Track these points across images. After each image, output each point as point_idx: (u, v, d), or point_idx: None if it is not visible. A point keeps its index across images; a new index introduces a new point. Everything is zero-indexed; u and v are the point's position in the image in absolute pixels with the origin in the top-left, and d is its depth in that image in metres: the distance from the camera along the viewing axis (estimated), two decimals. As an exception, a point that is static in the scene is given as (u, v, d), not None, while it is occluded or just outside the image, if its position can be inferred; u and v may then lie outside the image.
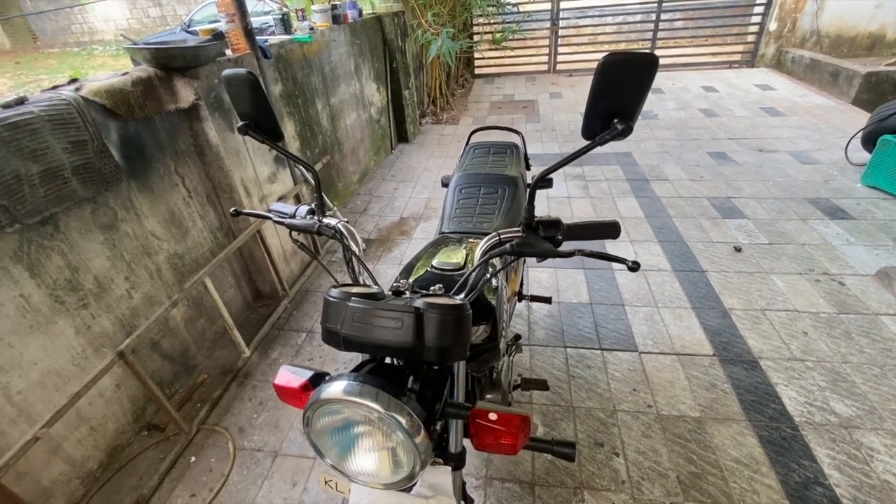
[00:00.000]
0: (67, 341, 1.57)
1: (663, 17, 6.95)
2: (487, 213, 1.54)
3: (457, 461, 0.91)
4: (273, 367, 2.17)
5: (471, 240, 1.34)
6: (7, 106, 1.39)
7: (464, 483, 1.05)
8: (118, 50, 10.48)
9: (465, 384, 0.89)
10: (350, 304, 0.77)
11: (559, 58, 7.38)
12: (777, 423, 1.72)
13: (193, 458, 1.77)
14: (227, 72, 0.89)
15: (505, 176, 1.70)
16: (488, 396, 1.22)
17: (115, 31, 11.64)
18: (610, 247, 2.79)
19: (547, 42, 7.27)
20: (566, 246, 0.84)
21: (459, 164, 1.91)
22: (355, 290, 0.81)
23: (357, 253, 0.99)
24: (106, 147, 1.63)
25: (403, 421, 0.72)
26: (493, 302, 1.09)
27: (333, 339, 0.78)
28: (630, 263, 0.79)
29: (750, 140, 4.24)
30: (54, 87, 1.60)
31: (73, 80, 1.68)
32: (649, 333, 2.17)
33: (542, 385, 1.61)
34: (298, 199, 2.80)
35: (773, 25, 6.38)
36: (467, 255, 1.17)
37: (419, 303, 0.75)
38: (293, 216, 1.05)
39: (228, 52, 2.23)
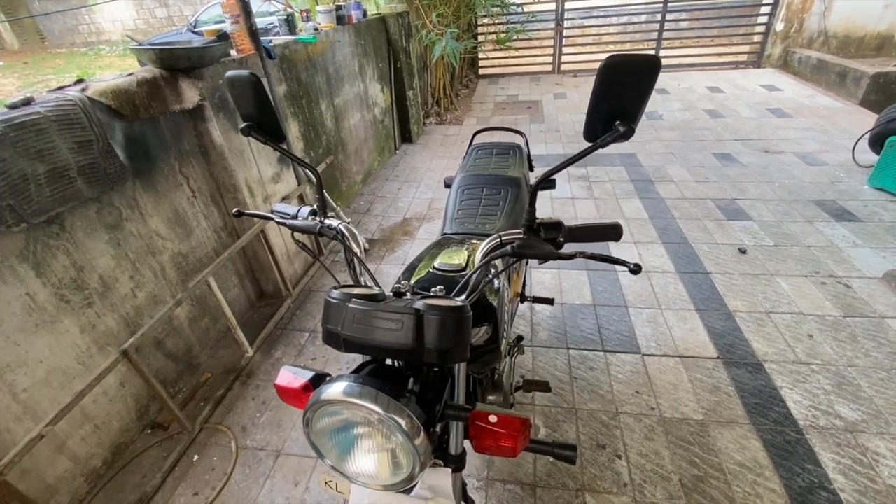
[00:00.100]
0: (72, 340, 1.59)
1: (668, 17, 6.91)
2: (490, 215, 1.54)
3: (457, 463, 0.91)
4: (276, 366, 2.18)
5: (473, 241, 1.34)
6: (14, 106, 1.41)
7: (464, 484, 1.05)
8: (125, 50, 10.56)
9: (465, 386, 0.89)
10: (350, 305, 0.77)
11: (563, 58, 7.36)
12: (781, 426, 1.70)
13: (196, 457, 1.78)
14: (229, 73, 0.90)
15: (508, 177, 1.70)
16: (489, 398, 1.22)
17: (122, 31, 11.74)
18: (614, 248, 2.77)
19: (551, 42, 7.25)
20: (568, 248, 0.84)
21: (462, 165, 1.91)
22: (356, 291, 0.81)
23: (358, 254, 0.99)
24: (111, 147, 1.64)
25: (403, 423, 0.72)
26: (495, 303, 1.09)
27: (334, 340, 0.78)
28: (631, 266, 0.79)
29: (756, 141, 4.21)
30: (61, 88, 1.62)
31: (80, 81, 1.70)
32: (652, 335, 2.15)
33: (544, 387, 1.61)
34: (302, 200, 2.81)
35: (779, 26, 6.34)
36: (469, 257, 1.17)
37: (419, 304, 0.75)
38: (295, 217, 1.05)
39: (233, 52, 2.24)
